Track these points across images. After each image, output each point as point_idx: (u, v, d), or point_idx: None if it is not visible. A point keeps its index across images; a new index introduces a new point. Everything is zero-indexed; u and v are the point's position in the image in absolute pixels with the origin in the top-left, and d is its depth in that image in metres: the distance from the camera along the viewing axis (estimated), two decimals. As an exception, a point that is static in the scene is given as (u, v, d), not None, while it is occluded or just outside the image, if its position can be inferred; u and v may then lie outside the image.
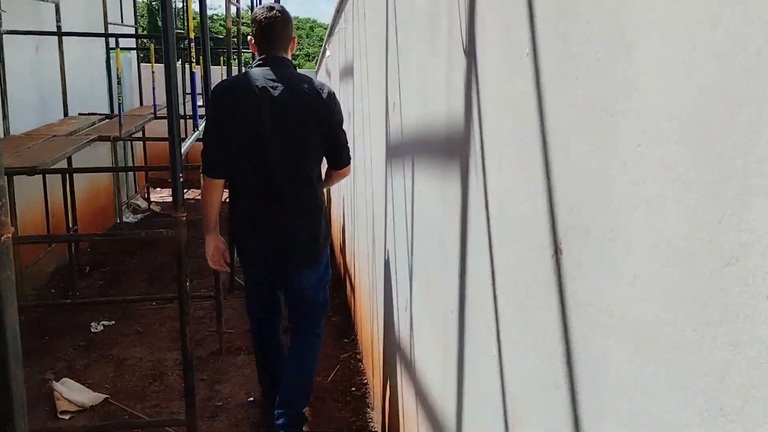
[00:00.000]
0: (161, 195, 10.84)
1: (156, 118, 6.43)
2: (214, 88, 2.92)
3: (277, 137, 2.76)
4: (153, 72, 6.06)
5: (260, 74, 2.79)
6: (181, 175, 2.68)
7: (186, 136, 3.98)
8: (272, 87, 2.75)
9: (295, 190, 2.82)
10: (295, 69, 2.98)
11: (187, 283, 2.75)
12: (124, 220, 8.61)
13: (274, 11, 2.83)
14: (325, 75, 8.15)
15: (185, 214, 2.71)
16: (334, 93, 2.88)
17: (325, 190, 3.04)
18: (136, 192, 9.27)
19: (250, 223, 2.90)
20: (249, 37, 2.95)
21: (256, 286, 3.09)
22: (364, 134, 3.73)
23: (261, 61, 2.85)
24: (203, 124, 3.08)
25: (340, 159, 2.99)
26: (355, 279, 4.53)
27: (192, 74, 4.00)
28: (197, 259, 7.00)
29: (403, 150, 2.45)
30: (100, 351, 4.35)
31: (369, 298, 3.64)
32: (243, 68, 6.04)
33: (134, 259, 6.96)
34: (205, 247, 2.98)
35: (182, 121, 10.11)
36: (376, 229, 3.28)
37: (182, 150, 2.98)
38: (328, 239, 3.03)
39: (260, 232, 2.87)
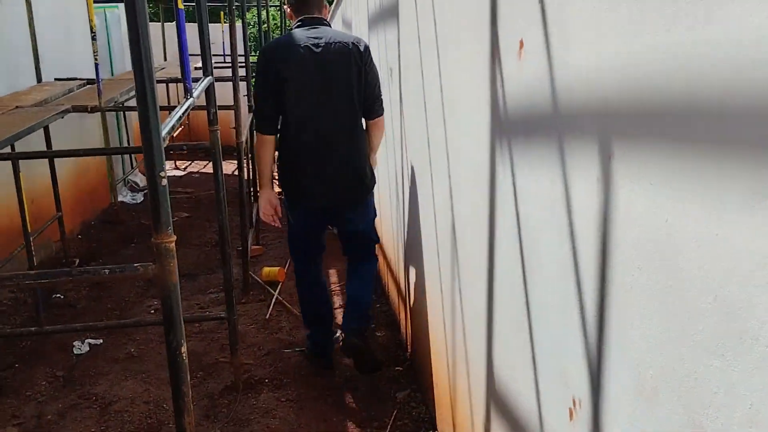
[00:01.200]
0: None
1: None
2: (261, 49, 3.20)
3: (323, 90, 2.98)
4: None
5: (302, 34, 3.03)
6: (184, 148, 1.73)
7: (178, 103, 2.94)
8: (314, 45, 2.99)
9: (341, 137, 3.04)
10: (330, 26, 3.20)
11: (183, 352, 1.73)
12: (120, 200, 7.59)
13: None
14: (341, 25, 7.02)
15: (173, 239, 1.68)
16: (368, 46, 3.10)
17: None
18: (133, 167, 8.22)
19: (303, 171, 3.05)
20: (285, 6, 3.35)
21: (304, 227, 3.25)
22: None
23: (300, 23, 3.10)
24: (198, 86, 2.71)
25: (373, 109, 3.13)
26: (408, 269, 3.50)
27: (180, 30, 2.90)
28: (203, 247, 6.09)
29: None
30: (82, 387, 3.37)
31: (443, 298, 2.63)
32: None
33: (132, 249, 5.97)
34: (259, 200, 3.25)
35: (173, 86, 9.14)
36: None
37: (168, 128, 1.93)
38: (373, 181, 3.21)
39: (313, 178, 3.03)
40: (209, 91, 3.03)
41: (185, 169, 9.70)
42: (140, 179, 8.39)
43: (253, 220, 5.57)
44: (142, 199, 7.80)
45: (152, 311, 4.41)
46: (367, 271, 3.33)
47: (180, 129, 9.92)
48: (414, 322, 3.28)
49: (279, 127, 3.09)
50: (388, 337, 3.84)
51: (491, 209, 1.81)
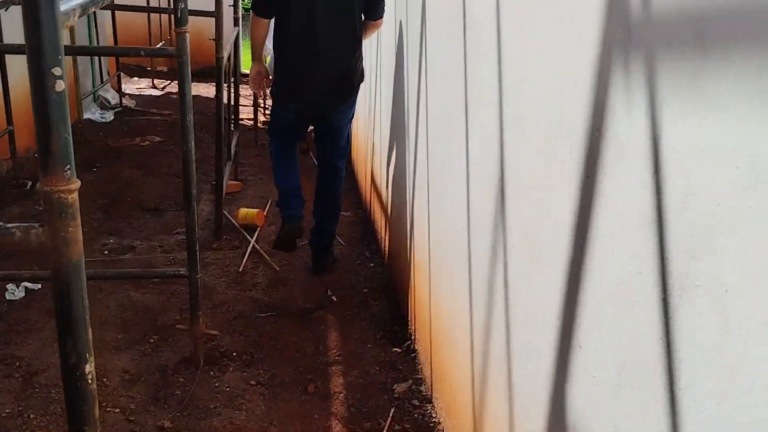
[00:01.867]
0: (138, 86, 8.95)
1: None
2: None
3: None
4: None
5: None
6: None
7: None
8: None
9: (339, 44, 3.09)
10: None
11: (88, 374, 1.06)
12: (87, 117, 6.80)
13: None
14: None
15: (75, 186, 1.00)
16: None
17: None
18: (104, 81, 7.38)
19: (297, 75, 3.12)
20: None
21: (288, 121, 3.33)
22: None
23: None
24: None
25: (377, 10, 3.19)
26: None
27: None
28: (174, 178, 5.34)
29: None
30: (5, 347, 2.72)
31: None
32: None
33: (93, 174, 5.24)
34: (250, 71, 3.39)
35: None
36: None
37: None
38: (362, 78, 3.28)
39: (306, 83, 3.12)
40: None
41: (164, 88, 8.85)
42: (112, 96, 7.57)
43: (232, 152, 4.86)
44: (112, 118, 7.02)
45: (106, 251, 3.75)
46: (337, 186, 3.48)
47: (162, 43, 9.04)
48: (418, 292, 2.66)
49: (275, 20, 3.15)
50: (389, 309, 3.21)
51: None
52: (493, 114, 1.66)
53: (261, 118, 7.44)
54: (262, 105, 7.67)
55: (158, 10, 7.82)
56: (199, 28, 9.85)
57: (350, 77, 3.17)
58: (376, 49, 4.02)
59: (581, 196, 1.19)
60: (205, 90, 8.98)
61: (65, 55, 0.96)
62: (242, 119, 7.44)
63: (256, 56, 3.35)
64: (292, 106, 3.25)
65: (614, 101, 1.07)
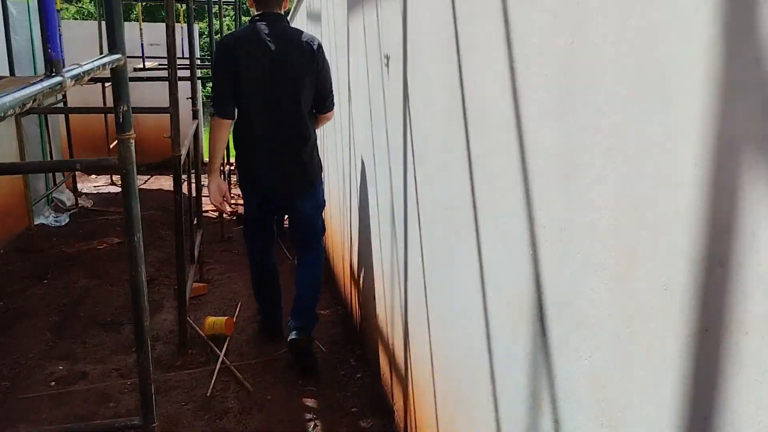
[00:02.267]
0: (96, 184, 8.58)
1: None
2: (219, 41, 3.31)
3: (277, 83, 3.11)
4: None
5: (260, 29, 3.13)
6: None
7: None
8: (270, 41, 3.11)
9: (292, 127, 3.17)
10: (288, 24, 3.28)
11: None
12: (40, 222, 6.38)
13: None
14: (306, 18, 6.00)
15: None
16: (322, 45, 3.22)
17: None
18: (57, 183, 6.99)
19: (255, 158, 3.21)
20: None
21: (256, 213, 3.41)
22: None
23: (258, 17, 3.19)
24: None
25: (325, 104, 3.30)
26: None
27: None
28: (128, 284, 4.88)
29: None
30: None
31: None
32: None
33: (43, 287, 4.79)
34: (208, 186, 3.29)
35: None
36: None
37: None
38: (321, 169, 3.38)
39: (264, 165, 3.20)
40: (118, 79, 1.99)
41: (123, 184, 8.49)
42: (67, 197, 7.17)
43: (195, 252, 4.47)
44: (67, 221, 6.61)
45: (53, 382, 3.28)
46: (315, 266, 3.47)
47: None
48: (420, 419, 2.25)
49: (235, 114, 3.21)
50: (378, 430, 2.78)
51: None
52: (521, 214, 1.32)
53: (227, 208, 7.08)
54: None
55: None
56: (160, 118, 9.55)
57: (307, 167, 3.26)
58: (349, 133, 3.73)
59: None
60: (168, 182, 8.63)
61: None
62: (207, 212, 7.10)
63: (214, 169, 3.28)
64: (255, 196, 3.36)
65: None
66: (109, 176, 8.45)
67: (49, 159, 6.60)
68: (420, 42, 2.01)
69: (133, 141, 2.07)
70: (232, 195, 6.66)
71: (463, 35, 1.61)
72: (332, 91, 3.30)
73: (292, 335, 3.23)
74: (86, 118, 9.09)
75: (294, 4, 7.10)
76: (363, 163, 3.23)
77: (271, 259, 3.56)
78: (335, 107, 3.42)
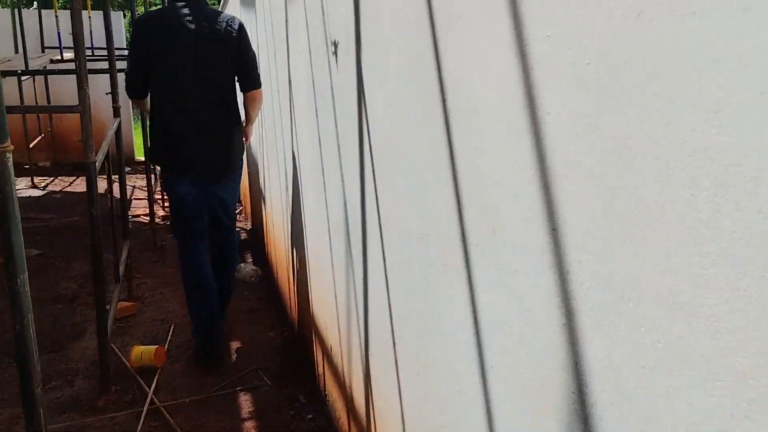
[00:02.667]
0: (18, 186, 7.82)
1: None
2: (135, 20, 3.28)
3: (195, 64, 3.04)
4: None
5: (177, 10, 3.07)
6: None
7: None
8: (188, 20, 3.04)
9: (208, 112, 3.10)
10: (207, 5, 3.19)
11: None
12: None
13: None
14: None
15: None
16: (242, 23, 3.17)
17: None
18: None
19: (173, 145, 3.12)
20: None
21: (182, 201, 3.26)
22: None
23: None
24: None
25: (248, 81, 3.22)
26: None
27: None
28: (53, 304, 4.30)
29: None
30: None
31: None
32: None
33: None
34: None
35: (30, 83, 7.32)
36: None
37: None
38: (241, 154, 3.36)
39: (184, 152, 3.13)
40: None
41: (45, 187, 7.79)
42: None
43: (122, 267, 3.96)
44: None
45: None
46: (228, 252, 3.53)
47: (40, 138, 8.01)
48: None
49: (148, 96, 3.19)
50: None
51: None
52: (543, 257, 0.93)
53: (159, 212, 6.54)
54: (160, 197, 6.77)
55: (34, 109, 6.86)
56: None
57: (228, 151, 3.22)
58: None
59: None
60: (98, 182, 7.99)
61: None
62: (138, 216, 6.52)
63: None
64: (177, 180, 3.24)
65: None
66: (29, 178, 7.73)
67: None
68: (378, 23, 1.59)
69: (10, 154, 1.59)
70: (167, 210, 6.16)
71: (440, 9, 1.20)
72: (256, 68, 3.24)
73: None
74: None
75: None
76: (308, 169, 2.79)
77: (206, 260, 3.38)
78: (276, 103, 3.38)
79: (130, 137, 8.52)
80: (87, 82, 3.01)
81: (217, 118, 3.13)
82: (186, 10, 3.05)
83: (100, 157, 3.16)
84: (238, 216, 6.44)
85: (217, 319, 3.31)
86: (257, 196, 5.23)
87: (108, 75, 4.13)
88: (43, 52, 7.88)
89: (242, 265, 4.67)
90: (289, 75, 3.03)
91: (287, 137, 3.25)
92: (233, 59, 3.10)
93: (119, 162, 4.37)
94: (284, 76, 3.17)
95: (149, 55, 3.02)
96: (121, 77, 3.55)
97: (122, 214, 4.30)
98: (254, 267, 4.65)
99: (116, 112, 4.15)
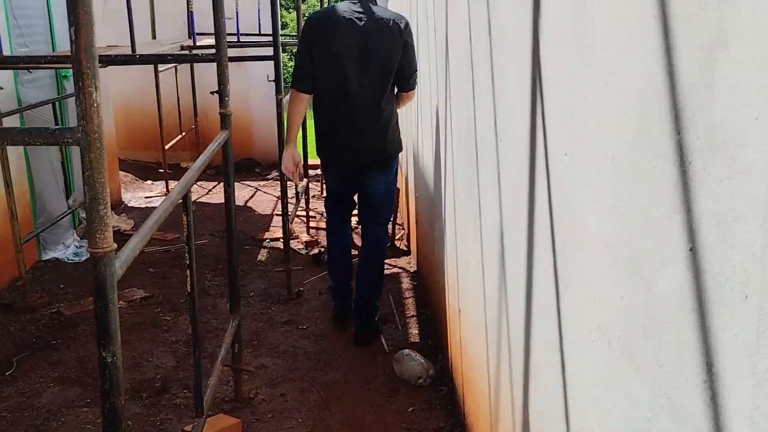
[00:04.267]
0: (149, 194, 6.80)
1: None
2: (309, 16, 3.37)
3: (361, 63, 3.13)
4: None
5: (346, 7, 3.19)
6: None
7: None
8: (357, 18, 3.14)
9: (374, 107, 3.20)
10: (375, 2, 3.28)
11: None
12: (53, 256, 4.68)
13: None
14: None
15: None
16: (409, 23, 3.21)
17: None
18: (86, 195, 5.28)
19: (335, 138, 3.28)
20: None
21: (337, 188, 3.51)
22: None
23: None
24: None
25: (408, 83, 3.31)
26: None
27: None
28: (134, 392, 2.93)
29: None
30: None
31: None
32: None
33: (9, 387, 3.01)
34: (283, 155, 3.38)
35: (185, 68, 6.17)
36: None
37: None
38: (399, 149, 3.41)
39: (344, 145, 3.27)
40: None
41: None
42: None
43: (223, 350, 2.51)
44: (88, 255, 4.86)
45: None
46: (377, 250, 3.53)
47: (181, 137, 6.96)
48: None
49: (314, 92, 3.24)
50: None
51: None
52: None
53: (303, 236, 5.16)
54: (305, 213, 5.40)
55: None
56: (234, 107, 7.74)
57: (387, 144, 3.28)
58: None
59: None
60: (235, 193, 6.79)
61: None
62: (264, 239, 5.19)
63: (292, 138, 3.35)
64: (335, 171, 3.43)
65: None
66: (163, 182, 6.66)
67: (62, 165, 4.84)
68: None
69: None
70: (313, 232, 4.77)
71: None
72: (416, 70, 3.32)
73: (357, 306, 3.45)
74: (138, 109, 7.44)
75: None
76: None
77: (348, 231, 3.67)
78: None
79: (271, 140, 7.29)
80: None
81: (380, 113, 3.22)
82: (355, 8, 3.17)
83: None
84: (397, 240, 5.11)
85: (349, 293, 3.59)
86: (429, 237, 3.66)
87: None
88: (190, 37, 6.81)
89: (406, 354, 3.09)
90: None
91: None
92: (397, 57, 3.17)
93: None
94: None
95: (320, 50, 3.13)
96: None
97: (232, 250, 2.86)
98: (424, 361, 3.04)
99: (278, 104, 3.23)
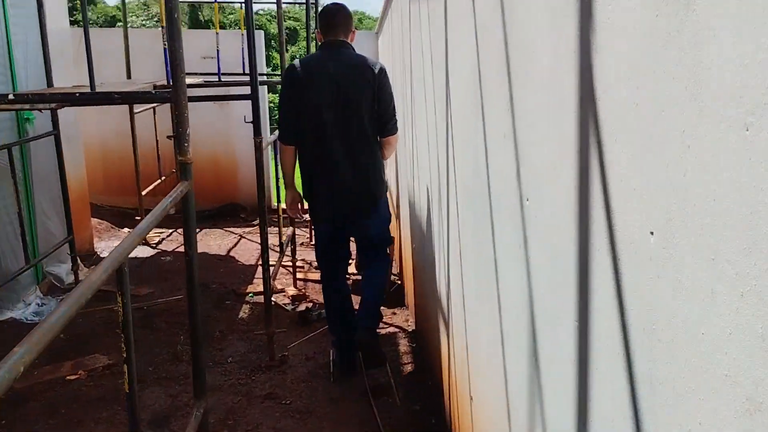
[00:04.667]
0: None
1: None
2: (287, 67, 3.36)
3: (339, 110, 3.16)
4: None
5: (323, 56, 3.24)
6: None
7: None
8: (333, 66, 3.17)
9: (355, 153, 3.20)
10: (353, 50, 3.32)
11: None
12: (10, 316, 4.22)
13: (338, 5, 3.36)
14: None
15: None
16: (385, 69, 3.25)
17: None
18: (58, 243, 4.79)
19: (318, 186, 3.26)
20: (316, 30, 3.77)
21: (325, 238, 3.44)
22: None
23: (324, 45, 3.29)
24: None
25: (387, 128, 3.28)
26: None
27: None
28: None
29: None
30: None
31: None
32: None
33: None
34: (285, 198, 3.52)
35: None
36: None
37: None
38: (385, 190, 3.41)
39: (327, 192, 3.25)
40: None
41: (159, 243, 6.24)
42: (66, 270, 4.98)
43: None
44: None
45: None
46: (380, 269, 3.48)
47: (159, 182, 6.54)
48: None
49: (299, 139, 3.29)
50: None
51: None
52: None
53: (289, 289, 4.71)
54: (291, 263, 4.95)
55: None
56: (216, 151, 7.34)
57: (371, 189, 3.26)
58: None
59: None
60: (217, 241, 6.37)
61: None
62: (247, 293, 4.73)
63: (289, 183, 3.44)
64: (322, 219, 3.36)
65: None
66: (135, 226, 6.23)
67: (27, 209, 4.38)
68: None
69: None
70: (301, 284, 4.39)
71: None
72: (394, 115, 3.31)
73: (359, 335, 3.28)
74: (115, 152, 7.03)
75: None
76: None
77: (344, 281, 3.56)
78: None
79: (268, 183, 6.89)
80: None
81: (362, 159, 3.20)
82: (331, 56, 3.19)
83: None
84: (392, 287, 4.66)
85: (354, 340, 3.38)
86: (429, 297, 3.23)
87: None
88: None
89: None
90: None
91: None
92: (374, 103, 3.18)
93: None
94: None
95: (299, 100, 3.16)
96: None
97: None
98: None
99: (257, 147, 2.96)
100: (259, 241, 6.01)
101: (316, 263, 4.25)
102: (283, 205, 3.89)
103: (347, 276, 3.80)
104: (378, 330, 3.51)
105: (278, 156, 3.46)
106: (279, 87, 5.74)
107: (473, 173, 1.94)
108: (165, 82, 4.81)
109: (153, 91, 3.60)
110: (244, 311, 4.45)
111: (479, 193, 1.87)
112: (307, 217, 4.27)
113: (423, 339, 3.63)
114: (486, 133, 1.75)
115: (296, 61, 3.30)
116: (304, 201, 3.44)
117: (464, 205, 2.15)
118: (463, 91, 2.06)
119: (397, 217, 4.95)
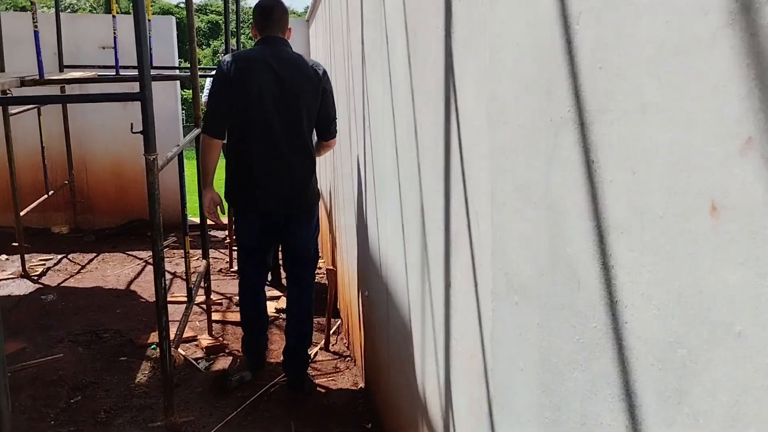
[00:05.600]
0: (1, 274, 5.17)
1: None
2: (221, 60, 3.23)
3: (278, 107, 3.05)
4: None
5: (263, 51, 3.11)
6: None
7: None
8: (275, 62, 3.05)
9: (291, 153, 3.10)
10: (291, 48, 3.21)
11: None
12: None
13: (275, 1, 3.20)
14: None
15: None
16: (326, 71, 3.21)
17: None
18: None
19: (252, 182, 3.11)
20: (251, 26, 3.31)
21: (254, 238, 3.27)
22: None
23: (262, 41, 3.15)
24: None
25: (328, 131, 3.27)
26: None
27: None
28: None
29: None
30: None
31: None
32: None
33: None
34: (203, 200, 3.27)
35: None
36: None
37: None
38: (318, 196, 3.35)
39: (262, 189, 3.11)
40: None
41: (43, 274, 5.06)
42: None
43: None
44: None
45: None
46: (304, 298, 3.35)
47: (45, 198, 5.39)
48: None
49: (228, 136, 3.15)
50: None
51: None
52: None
53: (203, 339, 3.75)
54: (205, 296, 3.97)
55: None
56: (119, 157, 6.28)
57: (305, 189, 3.18)
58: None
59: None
60: (116, 270, 5.27)
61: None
62: (149, 344, 3.71)
63: (208, 182, 3.23)
64: (251, 217, 3.23)
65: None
66: (19, 257, 5.03)
67: None
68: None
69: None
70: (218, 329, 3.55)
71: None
72: (336, 118, 3.29)
73: (291, 382, 3.25)
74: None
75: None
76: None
77: (262, 288, 3.44)
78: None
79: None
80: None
81: (298, 158, 3.13)
82: (271, 52, 3.09)
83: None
84: (333, 334, 3.95)
85: (264, 350, 3.47)
86: (391, 355, 2.37)
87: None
88: (61, 70, 5.34)
89: None
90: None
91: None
92: (315, 105, 3.12)
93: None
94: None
95: (235, 95, 3.03)
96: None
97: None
98: None
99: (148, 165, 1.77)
100: (170, 270, 4.94)
101: (237, 298, 4.02)
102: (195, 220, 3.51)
103: (275, 314, 3.84)
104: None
105: (200, 153, 3.20)
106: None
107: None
108: (38, 77, 3.75)
109: None
110: (144, 372, 3.45)
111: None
112: (225, 220, 3.97)
113: (379, 400, 2.77)
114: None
115: (232, 54, 3.22)
116: (224, 203, 3.25)
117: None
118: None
119: (341, 252, 4.08)
